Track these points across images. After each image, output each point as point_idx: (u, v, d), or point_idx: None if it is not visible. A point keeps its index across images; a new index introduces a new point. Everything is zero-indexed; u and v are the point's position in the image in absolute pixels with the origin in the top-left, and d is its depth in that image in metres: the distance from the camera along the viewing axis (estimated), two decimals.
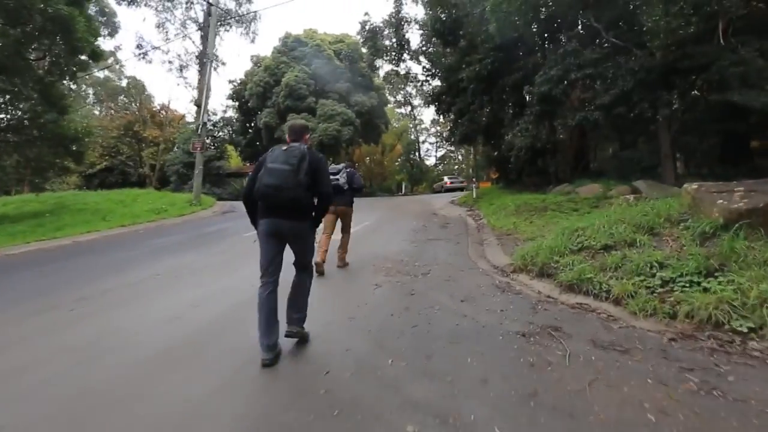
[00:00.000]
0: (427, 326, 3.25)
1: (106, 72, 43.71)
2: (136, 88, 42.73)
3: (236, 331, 3.20)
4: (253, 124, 32.09)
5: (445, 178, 32.57)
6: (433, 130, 54.83)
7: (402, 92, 52.12)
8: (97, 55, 12.45)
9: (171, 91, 69.40)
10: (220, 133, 32.12)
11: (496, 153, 20.06)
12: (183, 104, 71.31)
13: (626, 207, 5.57)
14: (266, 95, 28.55)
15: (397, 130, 48.13)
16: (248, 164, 34.61)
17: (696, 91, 10.04)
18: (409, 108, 51.34)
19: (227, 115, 36.16)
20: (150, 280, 4.87)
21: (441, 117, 19.64)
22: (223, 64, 27.02)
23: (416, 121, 52.65)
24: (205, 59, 13.64)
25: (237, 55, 66.88)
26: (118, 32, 33.39)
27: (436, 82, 20.06)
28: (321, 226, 3.28)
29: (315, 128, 26.43)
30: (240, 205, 14.07)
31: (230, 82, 34.45)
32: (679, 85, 9.63)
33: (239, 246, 7.08)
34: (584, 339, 2.92)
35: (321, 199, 2.82)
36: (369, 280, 4.79)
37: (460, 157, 57.67)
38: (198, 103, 13.71)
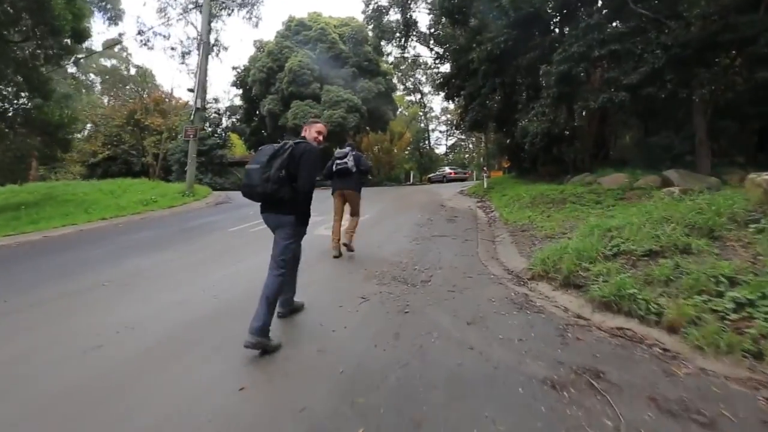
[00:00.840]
0: (420, 365, 2.42)
1: (114, 61, 43.22)
2: (143, 76, 42.13)
3: (165, 370, 2.40)
4: (258, 112, 31.26)
5: (446, 168, 31.76)
6: (443, 118, 53.61)
7: (411, 79, 51.02)
8: (81, 37, 11.66)
9: (174, 79, 68.63)
10: (224, 122, 31.36)
11: (508, 140, 18.99)
12: (185, 92, 70.52)
13: (671, 202, 4.61)
14: (269, 81, 27.64)
15: (406, 118, 46.96)
16: (253, 153, 33.92)
17: (737, 68, 8.92)
18: (418, 96, 50.17)
19: (233, 103, 35.41)
20: (96, 288, 4.10)
21: (449, 102, 18.57)
22: (225, 48, 26.33)
23: (426, 109, 51.42)
24: (199, 40, 12.78)
25: (240, 40, 65.97)
26: (123, 19, 32.76)
27: (446, 68, 19.01)
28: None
29: (320, 115, 25.51)
30: (235, 195, 13.17)
31: (234, 68, 33.61)
32: (717, 61, 8.52)
33: (218, 244, 6.30)
34: (641, 394, 2.06)
35: (297, 192, 2.78)
36: (356, 290, 3.96)
37: (471, 145, 56.27)
38: (191, 88, 12.89)
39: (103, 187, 13.19)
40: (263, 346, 2.56)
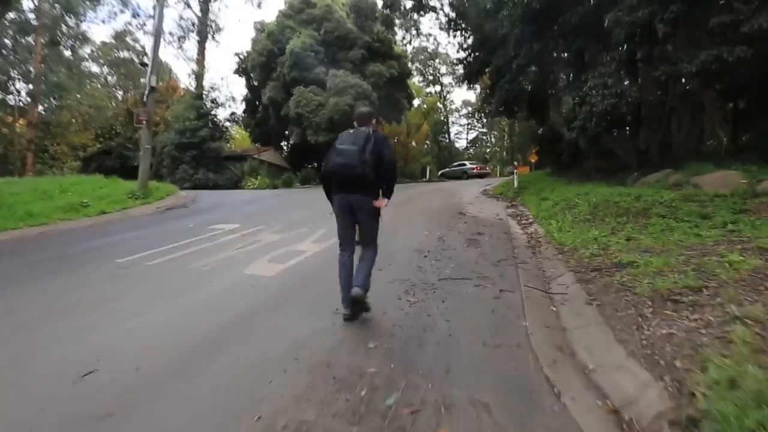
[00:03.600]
0: None
1: (128, 53, 41.16)
2: (162, 72, 39.94)
3: None
4: (259, 102, 28.79)
5: (467, 163, 28.29)
6: (464, 111, 50.36)
7: (430, 69, 47.59)
8: (5, 2, 9.18)
9: (171, 66, 67.29)
10: (222, 111, 28.91)
11: (541, 129, 15.83)
12: (184, 78, 69.06)
13: None
14: (270, 66, 24.95)
15: (424, 109, 43.80)
16: (258, 146, 31.47)
17: None
18: (438, 87, 46.97)
19: (231, 92, 33.00)
20: None
21: (469, 87, 15.36)
22: (220, 29, 23.92)
23: (446, 101, 48.25)
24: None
25: (238, 20, 64.35)
26: (128, 6, 30.61)
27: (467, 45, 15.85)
28: None
29: (325, 103, 22.77)
30: (211, 196, 10.62)
31: (236, 54, 31.17)
32: None
33: (45, 301, 3.55)
34: None
35: (386, 167, 2.97)
36: None
37: (492, 139, 52.55)
38: (144, 63, 10.28)
39: (44, 185, 10.74)
40: (362, 303, 2.99)
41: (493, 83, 12.43)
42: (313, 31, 23.80)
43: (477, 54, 12.96)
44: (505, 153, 46.34)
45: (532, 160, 22.86)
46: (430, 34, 49.46)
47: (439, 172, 30.86)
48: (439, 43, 47.52)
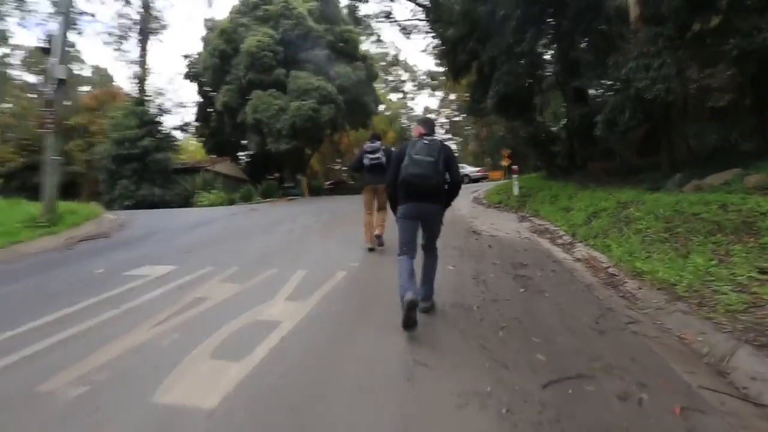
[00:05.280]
0: None
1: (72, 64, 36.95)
2: (103, 78, 36.23)
3: None
4: (213, 109, 26.11)
5: (467, 167, 25.66)
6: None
7: (392, 76, 46.53)
8: None
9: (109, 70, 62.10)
10: (167, 118, 25.85)
11: (528, 129, 14.40)
12: (124, 81, 63.89)
13: None
14: (224, 68, 22.40)
15: (390, 115, 42.46)
16: (215, 156, 28.51)
17: None
18: (401, 95, 46.24)
19: (194, 99, 29.95)
20: None
21: (455, 79, 13.55)
22: (164, 26, 21.34)
23: (409, 109, 47.56)
24: None
25: (187, 18, 59.92)
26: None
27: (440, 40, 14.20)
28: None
29: (286, 107, 20.53)
30: (139, 216, 8.22)
31: (186, 57, 28.30)
32: None
33: None
34: None
35: (454, 184, 3.09)
36: None
37: (456, 145, 51.84)
38: (46, 47, 7.81)
39: None
40: (432, 306, 3.10)
41: (486, 76, 10.79)
42: (270, 29, 21.54)
43: (463, 45, 11.32)
44: (472, 158, 45.72)
45: (505, 164, 21.42)
46: (392, 42, 48.70)
47: None
48: (400, 50, 46.71)
